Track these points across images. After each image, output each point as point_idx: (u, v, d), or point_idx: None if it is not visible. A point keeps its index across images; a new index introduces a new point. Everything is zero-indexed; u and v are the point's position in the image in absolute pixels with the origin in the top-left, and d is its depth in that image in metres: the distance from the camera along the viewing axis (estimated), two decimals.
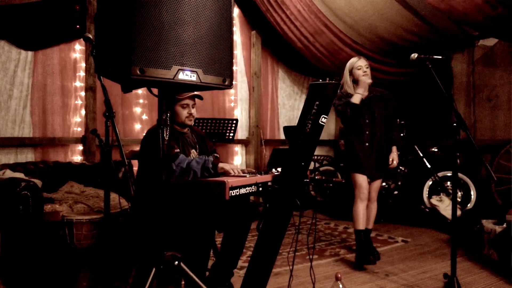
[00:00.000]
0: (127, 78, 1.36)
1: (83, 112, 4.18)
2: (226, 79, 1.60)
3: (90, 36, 2.18)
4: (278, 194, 2.04)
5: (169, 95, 1.61)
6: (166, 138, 1.56)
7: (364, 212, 3.21)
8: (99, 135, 2.53)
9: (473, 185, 4.46)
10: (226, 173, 2.23)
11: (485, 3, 3.24)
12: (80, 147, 4.17)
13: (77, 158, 4.14)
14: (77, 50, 4.20)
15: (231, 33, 1.60)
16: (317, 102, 2.01)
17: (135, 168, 2.69)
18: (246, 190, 1.92)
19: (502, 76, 4.85)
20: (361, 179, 3.19)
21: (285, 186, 2.03)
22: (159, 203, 1.58)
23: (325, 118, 2.02)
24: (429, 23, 4.37)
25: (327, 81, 2.00)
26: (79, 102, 4.20)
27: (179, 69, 1.44)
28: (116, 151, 2.57)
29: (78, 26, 4.07)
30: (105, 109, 2.05)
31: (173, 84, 1.48)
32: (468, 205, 4.43)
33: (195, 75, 1.48)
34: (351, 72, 3.24)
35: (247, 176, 2.04)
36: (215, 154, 2.49)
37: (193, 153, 2.39)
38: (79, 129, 4.19)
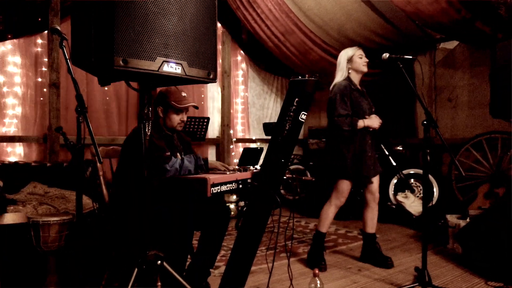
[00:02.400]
0: (108, 70, 1.29)
1: (45, 109, 3.98)
2: (211, 73, 1.56)
3: (58, 27, 2.08)
4: (258, 191, 2.03)
5: (151, 88, 1.55)
6: (148, 133, 1.50)
7: (333, 217, 3.03)
8: (65, 133, 2.42)
9: (435, 182, 4.64)
10: (215, 169, 2.23)
11: (449, 6, 3.38)
12: (42, 146, 3.96)
13: (39, 158, 3.93)
14: (39, 44, 3.99)
15: (215, 25, 1.57)
16: (297, 99, 2.01)
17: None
18: (226, 187, 1.89)
19: (462, 78, 5.09)
20: (346, 186, 2.95)
21: (265, 183, 2.02)
22: (145, 201, 1.51)
23: (304, 114, 2.03)
24: (394, 25, 4.52)
25: (306, 78, 2.00)
26: (41, 99, 3.99)
27: (163, 61, 1.38)
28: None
29: (40, 19, 3.87)
30: (76, 105, 1.95)
31: (155, 76, 1.43)
32: (432, 201, 4.61)
33: (180, 67, 1.43)
34: (350, 60, 2.92)
35: (228, 173, 2.01)
36: None
37: (179, 156, 2.34)
38: (41, 127, 3.98)
